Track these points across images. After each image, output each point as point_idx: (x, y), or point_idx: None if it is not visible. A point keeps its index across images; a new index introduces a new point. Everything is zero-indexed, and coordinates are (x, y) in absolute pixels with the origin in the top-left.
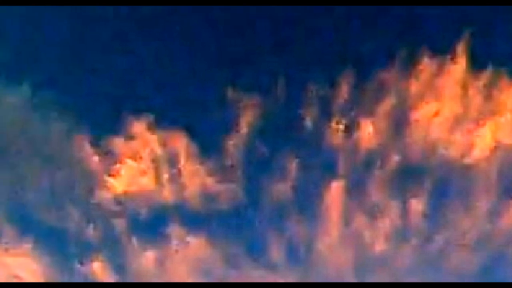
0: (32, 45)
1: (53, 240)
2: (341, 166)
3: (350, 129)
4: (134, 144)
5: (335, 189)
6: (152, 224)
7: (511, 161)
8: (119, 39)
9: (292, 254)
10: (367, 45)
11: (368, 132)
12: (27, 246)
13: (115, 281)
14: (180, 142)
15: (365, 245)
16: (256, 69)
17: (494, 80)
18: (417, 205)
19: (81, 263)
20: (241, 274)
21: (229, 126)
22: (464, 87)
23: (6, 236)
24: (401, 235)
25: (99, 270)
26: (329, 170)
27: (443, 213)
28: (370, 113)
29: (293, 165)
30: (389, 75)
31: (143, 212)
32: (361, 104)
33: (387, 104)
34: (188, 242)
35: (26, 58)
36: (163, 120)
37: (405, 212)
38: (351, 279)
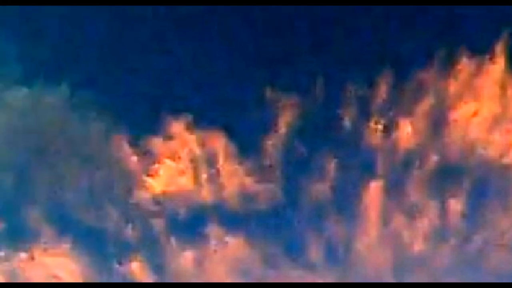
0: (71, 45)
1: (92, 240)
2: (380, 166)
3: (388, 129)
4: (172, 144)
5: (374, 189)
6: (191, 224)
7: None
8: (157, 38)
9: (331, 254)
10: (406, 45)
11: (407, 132)
12: (66, 246)
13: (153, 281)
14: (219, 142)
15: (403, 245)
16: (294, 69)
17: None
18: (455, 205)
19: (120, 263)
20: (280, 274)
21: (267, 126)
22: (503, 87)
23: (45, 236)
24: (439, 235)
25: (137, 270)
26: (368, 170)
27: (481, 213)
28: (409, 113)
29: (331, 165)
30: (427, 75)
31: (182, 212)
32: (399, 104)
33: (426, 104)
34: (226, 242)
35: (65, 58)
36: (202, 120)
37: (443, 212)
38: (389, 279)
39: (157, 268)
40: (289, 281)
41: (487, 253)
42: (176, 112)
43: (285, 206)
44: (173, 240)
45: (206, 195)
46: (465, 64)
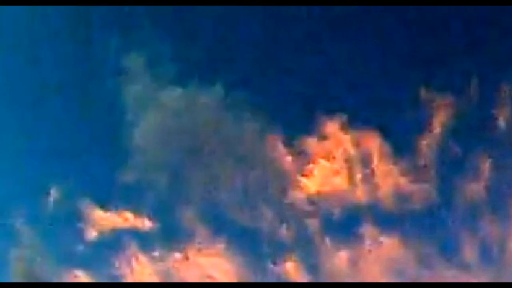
0: (226, 45)
1: (246, 240)
2: None
3: None
4: (327, 144)
5: None
6: (345, 224)
7: None
8: (312, 39)
9: (485, 254)
10: None
11: None
12: (220, 246)
13: (308, 281)
14: (373, 142)
15: None
16: (449, 69)
17: None
18: None
19: (274, 263)
20: (434, 274)
21: (422, 126)
22: None
23: (199, 236)
24: None
25: (292, 270)
26: None
27: None
28: None
29: (486, 165)
30: None
31: (336, 212)
32: None
33: None
34: (381, 242)
35: (219, 58)
36: (356, 120)
37: None
38: None
39: (312, 268)
40: (444, 281)
41: None
42: (331, 112)
43: (439, 206)
44: (327, 240)
45: (360, 195)
46: None
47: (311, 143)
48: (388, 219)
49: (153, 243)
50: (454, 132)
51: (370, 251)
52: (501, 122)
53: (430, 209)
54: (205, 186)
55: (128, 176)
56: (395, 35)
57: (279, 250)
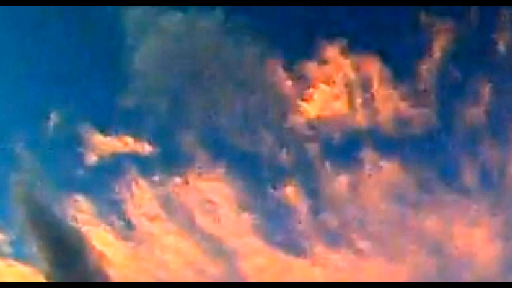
0: None
1: (246, 165)
2: None
3: None
4: (327, 68)
5: None
6: (345, 148)
7: None
8: None
9: (485, 178)
10: None
11: None
12: (220, 170)
13: (307, 207)
14: (373, 67)
15: None
16: None
17: None
18: None
19: (274, 188)
20: (434, 199)
21: (422, 50)
22: None
23: (199, 161)
24: None
25: (292, 194)
26: None
27: None
28: None
29: (486, 90)
30: None
31: (336, 137)
32: None
33: None
34: (381, 167)
35: None
36: (356, 45)
37: None
38: None
39: (312, 192)
40: (444, 205)
41: None
42: (331, 36)
43: (439, 130)
44: (327, 164)
45: (360, 119)
46: None
47: (311, 67)
48: (388, 144)
49: (153, 167)
50: (454, 56)
51: (370, 175)
52: (501, 47)
53: (430, 133)
54: (205, 111)
55: (128, 101)
56: None
57: (279, 175)
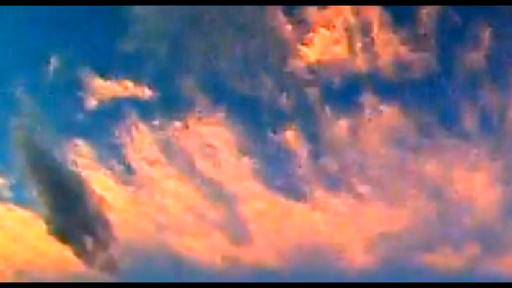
0: None
1: (246, 109)
2: None
3: None
4: (327, 13)
5: None
6: (345, 93)
7: None
8: None
9: (485, 123)
10: None
11: None
12: (220, 115)
13: (307, 151)
14: (373, 11)
15: None
16: None
17: None
18: None
19: (274, 132)
20: (434, 143)
21: None
22: None
23: (199, 105)
24: None
25: (292, 139)
26: None
27: None
28: None
29: (486, 34)
30: None
31: (336, 81)
32: None
33: None
34: (381, 111)
35: None
36: None
37: None
38: None
39: (312, 136)
40: (444, 150)
41: None
42: None
43: (439, 75)
44: (327, 109)
45: (360, 64)
46: None
47: (311, 11)
48: (388, 88)
49: (153, 112)
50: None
51: (370, 120)
52: None
53: (430, 78)
54: (205, 55)
55: (128, 45)
56: None
57: (279, 119)
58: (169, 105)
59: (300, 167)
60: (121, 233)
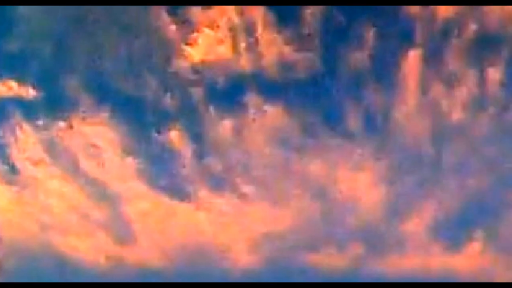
0: None
1: (131, 109)
2: (419, 34)
3: None
4: (211, 13)
5: (412, 58)
6: (229, 93)
7: None
8: None
9: (369, 122)
10: None
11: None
12: (105, 115)
13: (192, 151)
14: (258, 11)
15: (442, 113)
16: None
17: None
18: (494, 73)
19: (159, 132)
20: (318, 143)
21: None
22: None
23: (84, 105)
24: (478, 103)
25: (176, 139)
26: (406, 39)
27: None
28: None
29: (370, 34)
30: None
31: (220, 81)
32: None
33: None
34: (265, 111)
35: None
36: None
37: (482, 80)
38: (428, 148)
39: (196, 137)
40: (328, 150)
41: None
42: None
43: (323, 75)
44: (211, 109)
45: (244, 64)
46: None
47: (195, 11)
48: (272, 88)
49: (37, 112)
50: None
51: (254, 120)
52: None
53: (314, 78)
54: (89, 55)
55: (12, 45)
56: None
57: (163, 119)
58: (53, 105)
59: (184, 167)
60: (5, 233)
